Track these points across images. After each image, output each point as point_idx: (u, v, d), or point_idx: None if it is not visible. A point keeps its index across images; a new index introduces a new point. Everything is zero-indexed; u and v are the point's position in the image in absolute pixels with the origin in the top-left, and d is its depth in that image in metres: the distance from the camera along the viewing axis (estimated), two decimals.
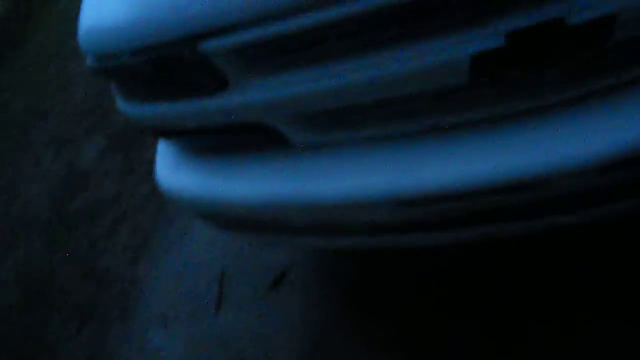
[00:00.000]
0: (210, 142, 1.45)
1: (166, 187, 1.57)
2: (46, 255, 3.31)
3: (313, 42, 1.14)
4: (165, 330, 2.33)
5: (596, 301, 1.65)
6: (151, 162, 3.29)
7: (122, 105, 1.47)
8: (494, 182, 1.14)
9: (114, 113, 4.16)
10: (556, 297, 1.71)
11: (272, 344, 2.03)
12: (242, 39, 1.14)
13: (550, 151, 1.11)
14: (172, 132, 1.45)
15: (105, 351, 2.44)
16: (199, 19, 1.16)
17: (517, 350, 1.65)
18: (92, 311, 2.64)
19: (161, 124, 1.42)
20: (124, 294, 2.60)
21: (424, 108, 1.22)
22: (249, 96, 1.25)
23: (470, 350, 1.71)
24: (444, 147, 1.22)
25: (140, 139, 3.56)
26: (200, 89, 1.29)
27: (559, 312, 1.68)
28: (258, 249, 2.36)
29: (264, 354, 2.02)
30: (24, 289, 3.20)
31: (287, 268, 2.22)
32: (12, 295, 3.22)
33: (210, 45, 1.18)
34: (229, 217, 1.47)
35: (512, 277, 1.81)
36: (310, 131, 1.31)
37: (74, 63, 5.43)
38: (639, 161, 1.07)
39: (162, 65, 1.27)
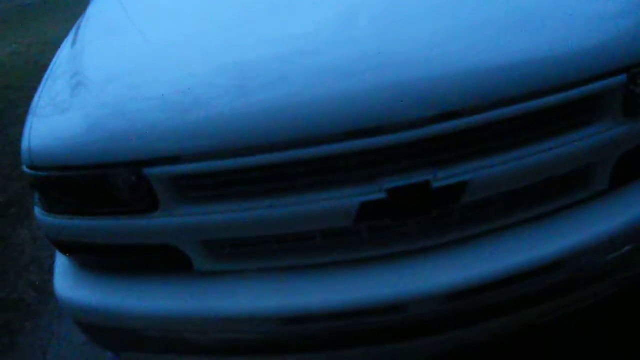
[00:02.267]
0: (114, 262, 1.55)
1: (65, 300, 1.60)
2: None
3: (235, 182, 1.34)
4: None
5: None
6: None
7: (42, 215, 1.55)
8: (363, 306, 1.36)
9: None
10: None
11: None
12: (183, 170, 1.31)
13: (408, 283, 1.36)
14: (84, 248, 1.54)
15: None
16: (149, 148, 1.33)
17: None
18: None
19: (78, 239, 1.51)
20: None
21: (313, 247, 1.41)
22: (174, 220, 1.39)
23: None
24: (324, 279, 1.41)
25: None
26: (132, 208, 1.41)
27: None
28: None
29: None
30: None
31: None
32: None
33: (154, 171, 1.33)
34: (126, 333, 1.57)
35: None
36: (213, 260, 1.46)
37: None
38: (475, 292, 1.35)
39: (100, 183, 1.40)
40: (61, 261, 1.69)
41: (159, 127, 1.33)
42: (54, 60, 1.87)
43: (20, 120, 5.08)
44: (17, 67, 7.02)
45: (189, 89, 1.38)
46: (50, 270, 1.90)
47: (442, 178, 1.28)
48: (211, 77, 1.42)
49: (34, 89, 4.12)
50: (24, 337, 2.54)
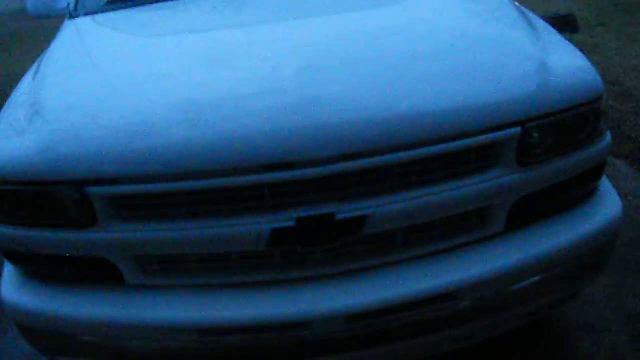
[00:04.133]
0: (55, 271, 1.72)
1: (9, 304, 1.75)
2: None
3: (163, 205, 1.53)
4: None
5: None
6: None
7: None
8: (271, 321, 1.54)
9: None
10: None
11: None
12: (120, 191, 1.51)
13: (314, 303, 1.54)
14: (29, 258, 1.71)
15: None
16: (92, 169, 1.51)
17: None
18: None
19: (24, 248, 1.67)
20: None
21: (230, 267, 1.61)
22: (108, 235, 1.56)
23: None
24: (239, 296, 1.59)
25: None
26: (73, 223, 1.58)
27: None
28: None
29: None
30: None
31: None
32: None
33: (94, 190, 1.51)
34: (61, 337, 1.70)
35: None
36: (143, 275, 1.63)
37: None
38: (372, 315, 1.54)
39: (46, 198, 1.58)
40: (8, 269, 1.84)
41: (103, 151, 1.53)
42: (15, 89, 2.05)
43: None
44: None
45: (133, 121, 1.60)
46: None
47: (345, 211, 1.48)
48: (151, 113, 1.63)
49: None
50: None
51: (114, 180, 1.51)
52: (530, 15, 2.13)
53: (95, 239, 1.57)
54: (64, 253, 1.64)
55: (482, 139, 1.52)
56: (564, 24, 6.05)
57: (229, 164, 1.45)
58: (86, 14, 2.62)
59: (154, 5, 2.54)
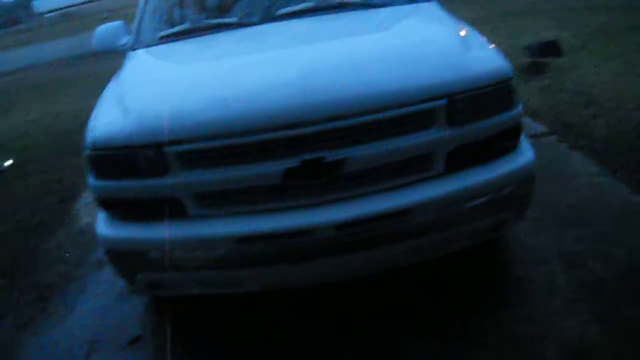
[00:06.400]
0: (136, 211, 2.50)
1: (102, 236, 2.58)
2: None
3: (214, 156, 2.32)
4: None
5: None
6: None
7: (92, 181, 2.52)
8: (286, 229, 2.33)
9: None
10: None
11: None
12: (185, 149, 2.30)
13: (314, 218, 2.32)
14: (119, 202, 2.51)
15: None
16: (165, 134, 2.31)
17: None
18: None
19: (116, 195, 2.49)
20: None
21: (259, 198, 2.39)
22: (177, 179, 2.35)
23: None
24: (265, 217, 2.38)
25: None
26: (152, 173, 2.37)
27: None
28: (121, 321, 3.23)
29: None
30: None
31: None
32: None
33: (169, 149, 2.31)
34: (137, 255, 2.49)
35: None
36: (200, 207, 2.41)
37: None
38: (352, 225, 2.32)
39: (133, 156, 2.37)
40: (101, 214, 2.66)
41: (173, 122, 2.34)
42: (101, 95, 2.91)
43: (40, 171, 6.12)
44: (33, 133, 8.07)
45: (192, 104, 2.43)
46: None
47: (330, 156, 2.27)
48: (203, 98, 2.48)
49: (48, 147, 5.62)
50: None
51: (182, 141, 2.30)
52: (462, 24, 3.01)
53: (168, 183, 2.36)
54: (146, 196, 2.43)
55: (421, 107, 2.33)
56: (548, 50, 6.85)
57: (257, 127, 2.26)
58: (145, 46, 3.48)
59: (196, 39, 3.37)
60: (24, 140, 7.70)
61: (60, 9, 26.98)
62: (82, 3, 27.63)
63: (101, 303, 3.38)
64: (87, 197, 4.95)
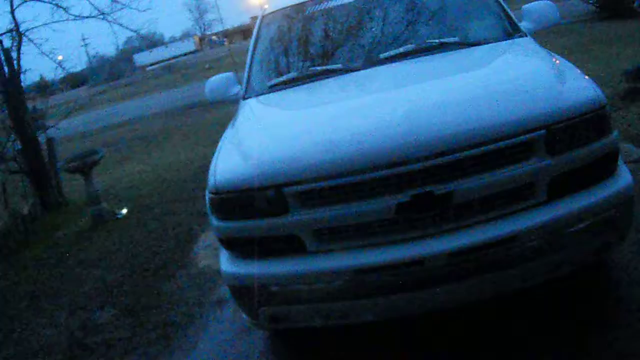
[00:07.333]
0: (257, 249, 2.63)
1: (226, 273, 2.77)
2: None
3: (331, 195, 2.44)
4: None
5: None
6: None
7: (215, 222, 2.70)
8: (399, 261, 2.41)
9: None
10: None
11: None
12: (306, 189, 2.44)
13: (424, 249, 2.41)
14: (241, 241, 2.67)
15: None
16: (286, 176, 2.47)
17: None
18: None
19: (238, 235, 2.65)
20: None
21: (374, 232, 2.47)
22: (296, 218, 2.49)
23: None
24: (379, 250, 2.47)
25: None
26: (273, 213, 2.52)
27: None
28: None
29: None
30: None
31: None
32: None
33: (289, 190, 2.46)
34: (260, 290, 2.61)
35: None
36: (318, 243, 2.53)
37: None
38: (464, 253, 2.38)
39: (254, 198, 2.53)
40: (223, 253, 2.83)
41: (292, 165, 2.49)
42: (222, 138, 3.14)
43: (156, 218, 6.52)
44: (146, 182, 8.64)
45: (306, 147, 2.58)
46: None
47: (440, 189, 2.34)
48: (317, 142, 2.61)
49: (162, 195, 6.03)
50: None
51: (300, 182, 2.44)
52: (555, 56, 3.07)
53: (288, 221, 2.50)
54: (267, 234, 2.58)
55: (521, 138, 2.38)
56: None
57: (369, 166, 2.36)
58: (256, 95, 3.70)
59: (304, 86, 3.53)
60: (139, 190, 8.26)
61: (161, 61, 28.78)
62: (180, 55, 29.35)
63: (222, 338, 3.54)
64: (203, 240, 5.25)
